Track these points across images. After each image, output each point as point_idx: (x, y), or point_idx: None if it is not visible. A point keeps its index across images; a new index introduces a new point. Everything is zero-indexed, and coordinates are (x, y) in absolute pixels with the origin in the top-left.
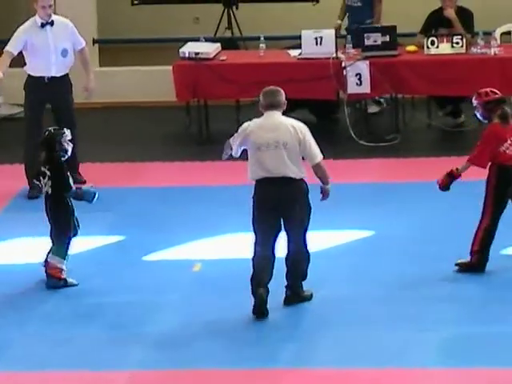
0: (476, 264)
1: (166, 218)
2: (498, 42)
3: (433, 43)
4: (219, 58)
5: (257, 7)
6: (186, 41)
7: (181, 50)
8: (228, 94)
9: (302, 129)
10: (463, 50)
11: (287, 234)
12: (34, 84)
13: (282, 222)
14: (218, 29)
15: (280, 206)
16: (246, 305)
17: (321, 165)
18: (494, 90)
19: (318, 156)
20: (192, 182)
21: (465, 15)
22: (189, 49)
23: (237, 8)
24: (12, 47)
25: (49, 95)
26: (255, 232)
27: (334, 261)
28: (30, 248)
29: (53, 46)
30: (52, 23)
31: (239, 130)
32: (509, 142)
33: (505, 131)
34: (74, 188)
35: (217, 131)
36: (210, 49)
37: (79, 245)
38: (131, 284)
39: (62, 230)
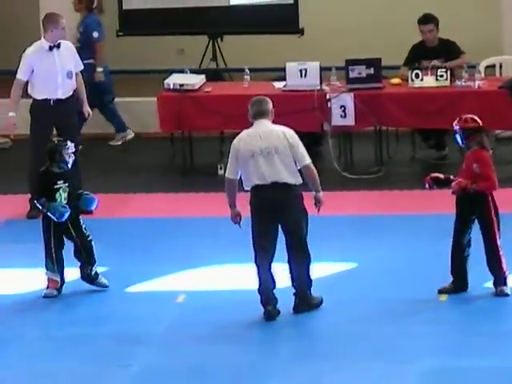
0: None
1: (149, 249)
2: (483, 74)
3: (417, 76)
4: (204, 89)
5: (242, 39)
6: (170, 72)
7: (165, 82)
8: (212, 126)
9: (292, 133)
10: (447, 83)
11: (286, 238)
12: (40, 107)
13: (281, 228)
14: (202, 60)
15: (276, 211)
16: (230, 335)
17: (310, 167)
18: (475, 118)
19: (307, 158)
20: (176, 213)
21: (448, 46)
22: (173, 80)
23: (222, 40)
24: (22, 75)
25: (55, 117)
26: (254, 239)
27: (316, 292)
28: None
29: (60, 68)
30: (59, 45)
31: (231, 150)
32: None
33: None
34: (41, 200)
35: (201, 162)
36: (194, 80)
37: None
38: (114, 316)
39: (45, 242)
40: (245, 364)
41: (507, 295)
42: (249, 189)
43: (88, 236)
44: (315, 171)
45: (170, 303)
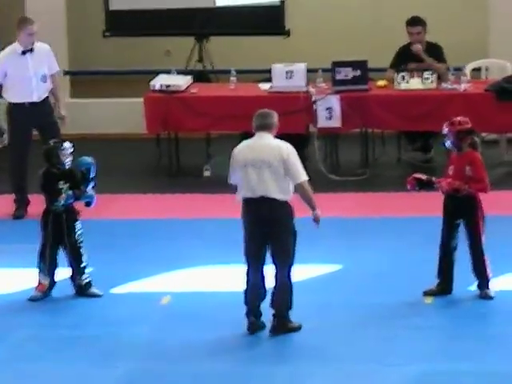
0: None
1: (134, 250)
2: (469, 77)
3: (403, 78)
4: (190, 90)
5: (228, 40)
6: (157, 73)
7: (152, 83)
8: (199, 127)
9: (288, 149)
10: (433, 86)
11: (272, 257)
12: (16, 110)
13: (268, 245)
14: (189, 61)
15: (265, 228)
16: (214, 338)
17: (304, 185)
18: (466, 120)
19: (302, 176)
20: (162, 214)
21: (434, 50)
22: (160, 81)
23: (208, 41)
24: None
25: (33, 119)
26: (246, 251)
27: (301, 295)
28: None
29: (33, 72)
30: (32, 50)
31: (231, 157)
32: None
33: None
34: (69, 193)
35: (187, 164)
36: (181, 81)
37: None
38: (99, 317)
39: (41, 241)
40: (230, 366)
41: (491, 298)
42: (240, 200)
43: (80, 242)
44: (310, 189)
45: (155, 304)
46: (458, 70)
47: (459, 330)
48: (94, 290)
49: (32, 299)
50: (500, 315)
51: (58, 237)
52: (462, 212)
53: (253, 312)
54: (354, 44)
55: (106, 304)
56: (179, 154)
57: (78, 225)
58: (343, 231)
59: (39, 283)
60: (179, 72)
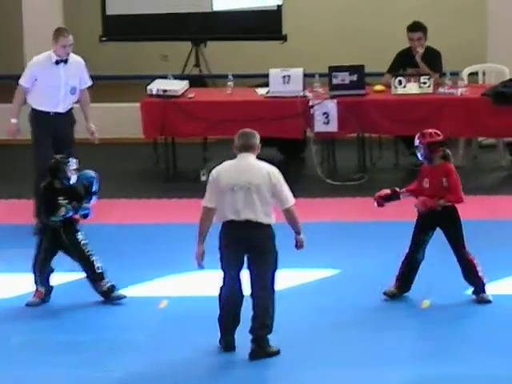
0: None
1: (131, 254)
2: (466, 82)
3: (400, 83)
4: (187, 95)
5: (225, 45)
6: (153, 78)
7: (148, 87)
8: (195, 132)
9: (276, 173)
10: (430, 90)
11: (252, 281)
12: (39, 117)
13: (248, 269)
14: (186, 66)
15: (247, 250)
16: (212, 342)
17: (292, 210)
18: (437, 132)
19: (290, 201)
20: (159, 219)
21: (432, 55)
22: (157, 86)
23: (205, 46)
24: (25, 81)
25: (53, 129)
26: (223, 270)
27: (299, 299)
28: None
29: (63, 83)
30: (66, 61)
31: (209, 179)
32: None
33: None
34: (68, 206)
35: (184, 168)
36: (177, 86)
37: None
38: (96, 321)
39: (35, 252)
40: (226, 369)
41: (489, 302)
42: (220, 222)
43: (87, 251)
44: (297, 213)
45: (152, 309)
46: (455, 74)
47: (456, 334)
48: (117, 293)
49: (29, 305)
50: (498, 320)
51: (55, 250)
52: (442, 223)
53: (229, 328)
54: (351, 49)
55: (103, 308)
56: (176, 159)
57: (80, 235)
58: (340, 236)
59: (37, 290)
60: (176, 77)
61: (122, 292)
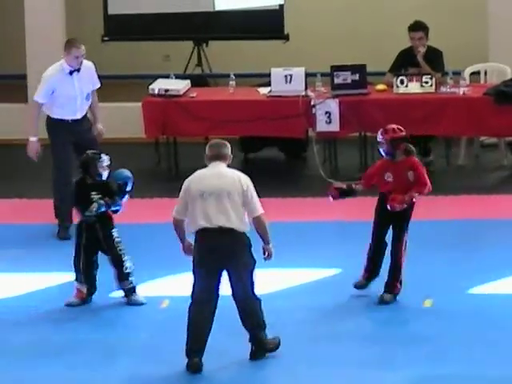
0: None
1: (133, 254)
2: (468, 81)
3: (402, 82)
4: (189, 94)
5: (227, 45)
6: (155, 77)
7: (150, 87)
8: (197, 131)
9: (246, 180)
10: (432, 90)
11: (233, 289)
12: (57, 126)
13: (228, 277)
14: (187, 66)
15: (222, 260)
16: (213, 342)
17: (261, 218)
18: (400, 128)
19: (259, 210)
20: (160, 218)
21: (434, 55)
22: (158, 85)
23: (207, 45)
24: (41, 98)
25: (73, 135)
26: (193, 290)
27: (299, 299)
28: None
29: (79, 92)
30: (79, 70)
31: (181, 190)
32: None
33: None
34: (100, 202)
35: (186, 168)
36: (179, 86)
37: (45, 281)
38: (97, 321)
39: (75, 250)
40: (226, 369)
41: (387, 303)
42: (193, 232)
43: (120, 249)
44: (266, 222)
45: (154, 308)
46: (457, 73)
47: (456, 334)
48: (136, 297)
49: (68, 304)
50: (498, 320)
51: (93, 246)
52: (398, 218)
53: (197, 350)
54: (353, 48)
55: (106, 308)
56: (178, 158)
57: (115, 232)
58: (342, 235)
59: (77, 290)
60: (178, 76)
61: (121, 291)
